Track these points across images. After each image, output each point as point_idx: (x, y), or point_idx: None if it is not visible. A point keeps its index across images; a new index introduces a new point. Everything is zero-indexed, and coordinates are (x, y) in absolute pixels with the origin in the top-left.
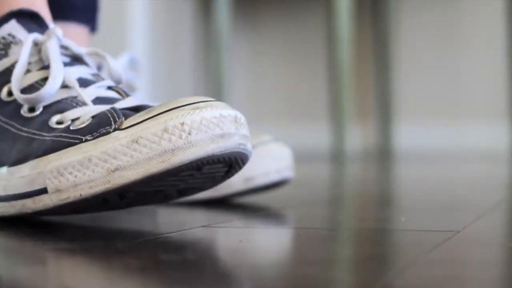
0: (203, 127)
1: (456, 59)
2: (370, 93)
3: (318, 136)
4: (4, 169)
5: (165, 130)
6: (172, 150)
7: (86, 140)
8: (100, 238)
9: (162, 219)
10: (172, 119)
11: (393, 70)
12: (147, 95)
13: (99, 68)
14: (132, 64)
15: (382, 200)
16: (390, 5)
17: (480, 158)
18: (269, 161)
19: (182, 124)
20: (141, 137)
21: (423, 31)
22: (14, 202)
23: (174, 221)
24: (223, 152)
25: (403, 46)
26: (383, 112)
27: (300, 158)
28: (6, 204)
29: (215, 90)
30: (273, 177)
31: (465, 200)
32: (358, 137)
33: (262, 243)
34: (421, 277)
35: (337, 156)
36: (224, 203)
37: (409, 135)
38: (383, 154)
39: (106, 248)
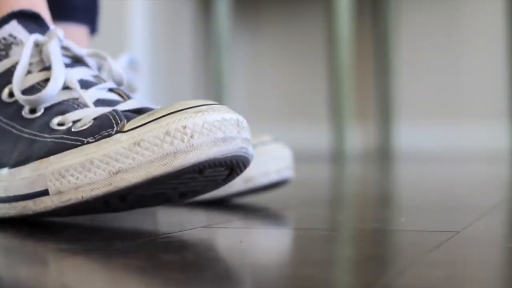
0: (205, 130)
1: (456, 59)
2: (370, 93)
3: (318, 136)
4: (5, 170)
5: (167, 133)
6: (174, 153)
7: (88, 142)
8: (100, 239)
9: (162, 219)
10: (174, 122)
11: (393, 70)
12: (147, 95)
13: (99, 68)
14: (132, 64)
15: (382, 201)
16: (390, 5)
17: (480, 158)
18: (269, 161)
19: (184, 127)
20: (143, 140)
21: (423, 31)
22: (15, 204)
23: (174, 221)
24: (225, 155)
25: (403, 46)
26: (383, 112)
27: (300, 158)
28: (6, 205)
29: (215, 90)
30: (273, 177)
31: (465, 200)
32: (358, 137)
33: (262, 244)
34: (421, 278)
35: (337, 156)
36: (224, 203)
37: (409, 135)
38: (383, 154)
39: (106, 248)
